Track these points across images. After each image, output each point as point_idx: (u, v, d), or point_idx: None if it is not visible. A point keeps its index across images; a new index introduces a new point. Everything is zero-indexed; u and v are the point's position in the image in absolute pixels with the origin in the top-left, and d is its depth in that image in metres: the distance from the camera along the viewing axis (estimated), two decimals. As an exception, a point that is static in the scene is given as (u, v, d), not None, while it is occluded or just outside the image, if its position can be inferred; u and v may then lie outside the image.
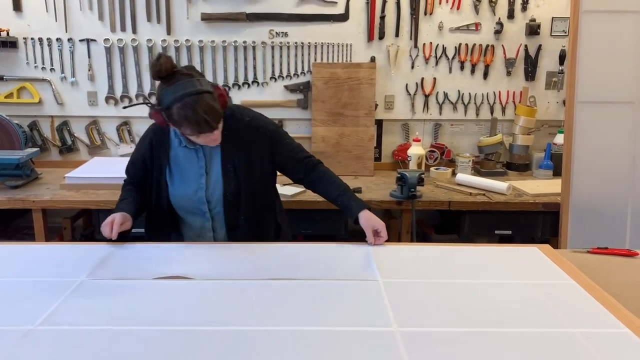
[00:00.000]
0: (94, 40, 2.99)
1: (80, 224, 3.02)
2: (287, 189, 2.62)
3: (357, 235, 3.13)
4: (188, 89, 1.61)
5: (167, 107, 1.64)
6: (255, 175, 1.86)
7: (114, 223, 1.71)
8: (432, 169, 2.98)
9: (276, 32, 3.02)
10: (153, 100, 2.96)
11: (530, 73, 3.10)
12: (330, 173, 1.92)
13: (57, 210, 2.69)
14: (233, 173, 1.83)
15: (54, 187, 2.67)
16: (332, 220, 2.62)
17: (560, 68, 3.08)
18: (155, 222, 1.92)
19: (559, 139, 2.96)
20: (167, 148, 1.84)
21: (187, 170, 1.84)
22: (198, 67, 3.03)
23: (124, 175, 2.62)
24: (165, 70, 1.63)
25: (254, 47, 3.03)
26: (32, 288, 1.46)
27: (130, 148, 3.13)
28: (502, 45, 3.06)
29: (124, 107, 2.31)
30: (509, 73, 3.10)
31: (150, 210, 1.92)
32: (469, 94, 3.13)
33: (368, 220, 1.79)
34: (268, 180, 1.94)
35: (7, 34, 2.92)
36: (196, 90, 1.62)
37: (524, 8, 3.03)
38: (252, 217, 1.87)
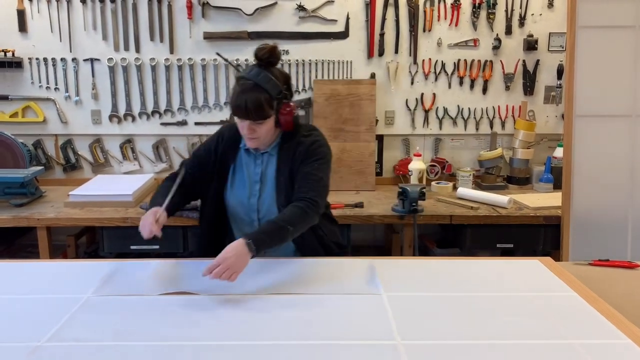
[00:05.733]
0: (98, 59, 3.03)
1: (84, 242, 3.04)
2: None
3: (359, 250, 3.14)
4: (253, 75, 1.71)
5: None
6: None
7: (150, 223, 1.66)
8: (433, 183, 2.99)
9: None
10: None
11: (529, 88, 3.13)
12: (289, 213, 1.71)
13: (61, 228, 2.70)
14: (284, 185, 1.83)
15: (58, 205, 2.69)
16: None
17: (559, 82, 3.11)
18: (208, 230, 1.95)
19: (559, 152, 2.98)
20: (236, 147, 1.90)
21: (244, 174, 1.88)
22: (200, 86, 3.07)
23: (128, 193, 2.67)
24: (269, 55, 1.72)
25: (255, 65, 3.07)
26: (39, 305, 1.47)
27: (133, 166, 3.16)
28: (501, 61, 3.10)
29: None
30: (507, 88, 3.13)
31: (204, 215, 1.96)
32: (469, 108, 3.16)
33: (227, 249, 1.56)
34: None
35: (13, 54, 2.96)
36: (253, 80, 1.70)
37: (522, 24, 3.07)
38: None
